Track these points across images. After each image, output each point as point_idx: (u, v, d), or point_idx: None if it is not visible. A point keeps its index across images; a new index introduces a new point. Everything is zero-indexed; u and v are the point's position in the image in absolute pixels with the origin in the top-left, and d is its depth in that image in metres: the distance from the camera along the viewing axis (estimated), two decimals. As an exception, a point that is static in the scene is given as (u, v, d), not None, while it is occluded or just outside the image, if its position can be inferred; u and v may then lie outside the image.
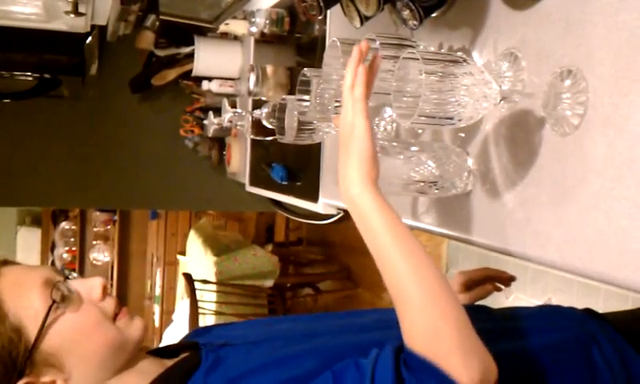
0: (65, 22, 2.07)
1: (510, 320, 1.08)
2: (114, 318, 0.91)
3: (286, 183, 2.05)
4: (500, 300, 1.26)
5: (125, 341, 0.90)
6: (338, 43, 1.10)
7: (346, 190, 0.83)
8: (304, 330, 0.99)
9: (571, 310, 1.14)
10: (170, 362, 0.92)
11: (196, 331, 1.04)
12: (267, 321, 1.20)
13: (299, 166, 1.97)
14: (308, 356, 0.85)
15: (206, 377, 0.84)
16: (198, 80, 2.60)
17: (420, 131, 1.25)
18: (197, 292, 3.82)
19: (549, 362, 0.96)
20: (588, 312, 1.13)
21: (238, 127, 1.83)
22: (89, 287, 0.91)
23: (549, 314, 1.14)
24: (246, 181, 2.46)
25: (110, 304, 0.92)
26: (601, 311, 1.12)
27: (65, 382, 0.86)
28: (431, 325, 0.74)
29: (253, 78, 1.99)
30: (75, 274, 0.94)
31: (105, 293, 0.92)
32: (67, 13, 1.84)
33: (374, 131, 1.34)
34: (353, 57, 0.87)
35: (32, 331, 0.84)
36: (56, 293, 0.86)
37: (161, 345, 1.12)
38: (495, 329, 1.00)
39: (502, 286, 1.27)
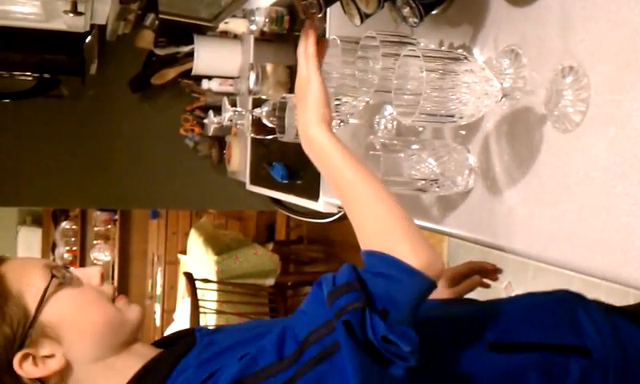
0: (64, 22, 2.06)
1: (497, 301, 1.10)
2: (113, 301, 0.94)
3: (286, 182, 2.05)
4: (499, 296, 1.25)
5: (122, 320, 0.92)
6: (339, 41, 1.10)
7: (303, 131, 0.95)
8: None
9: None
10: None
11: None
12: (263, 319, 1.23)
13: (300, 164, 1.97)
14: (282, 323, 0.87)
15: (198, 355, 0.87)
16: (198, 79, 2.59)
17: (421, 129, 1.25)
18: (198, 291, 3.81)
19: (531, 316, 0.99)
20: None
21: (238, 126, 1.82)
22: (88, 274, 0.94)
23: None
24: (247, 180, 2.45)
25: (108, 289, 0.95)
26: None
27: (63, 356, 0.87)
28: (380, 220, 0.84)
29: (253, 76, 1.98)
30: (73, 269, 0.96)
31: (103, 280, 0.95)
32: (66, 12, 1.84)
33: (375, 129, 1.34)
34: (305, 29, 1.01)
35: (32, 305, 0.87)
36: (56, 272, 0.90)
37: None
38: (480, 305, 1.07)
39: (490, 281, 1.28)
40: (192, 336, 0.93)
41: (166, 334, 5.02)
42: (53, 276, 0.89)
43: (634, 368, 0.95)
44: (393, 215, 0.84)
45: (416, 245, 0.81)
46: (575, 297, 1.06)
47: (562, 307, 1.02)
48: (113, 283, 5.79)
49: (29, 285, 0.88)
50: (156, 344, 0.97)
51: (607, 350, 0.95)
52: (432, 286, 0.80)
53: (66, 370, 0.88)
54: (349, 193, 0.89)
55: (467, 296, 1.30)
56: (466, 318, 1.00)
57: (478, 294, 1.26)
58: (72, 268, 0.95)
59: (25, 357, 0.86)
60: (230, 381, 0.77)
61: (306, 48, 1.00)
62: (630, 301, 1.28)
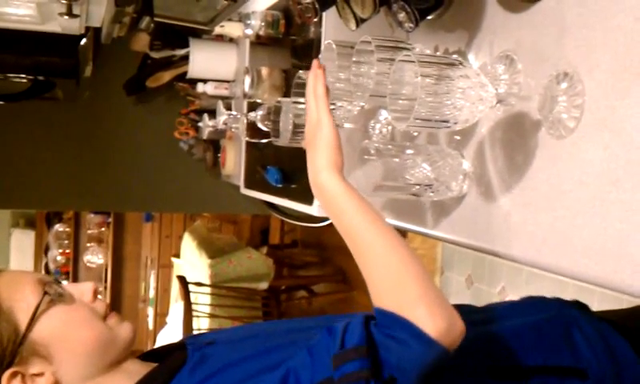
0: (59, 24, 2.05)
1: (492, 310, 1.10)
2: (104, 318, 0.93)
3: (280, 186, 2.05)
4: (493, 301, 1.25)
5: (113, 338, 0.91)
6: (334, 45, 1.10)
7: (314, 177, 0.91)
8: (286, 327, 1.01)
9: (556, 298, 1.15)
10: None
11: (187, 337, 1.05)
12: (254, 323, 1.23)
13: (294, 168, 1.97)
14: (285, 348, 0.86)
15: (191, 373, 0.85)
16: (193, 82, 2.59)
17: (415, 134, 1.25)
18: (191, 294, 3.80)
19: (528, 339, 0.98)
20: (574, 302, 1.14)
21: (233, 130, 1.82)
22: (80, 290, 0.93)
23: (532, 301, 1.15)
24: (241, 183, 2.45)
25: (100, 305, 0.93)
26: (595, 314, 1.12)
27: (53, 374, 0.86)
28: (395, 278, 0.79)
29: (248, 80, 1.99)
30: (66, 282, 0.94)
31: (95, 296, 0.94)
32: (61, 14, 1.83)
33: (370, 134, 1.34)
34: (312, 66, 0.97)
35: (23, 322, 0.85)
36: (49, 288, 0.89)
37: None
38: (477, 316, 1.03)
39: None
40: (183, 349, 0.92)
41: (158, 336, 5.00)
42: (45, 293, 0.88)
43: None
44: (408, 272, 0.79)
45: (433, 307, 0.76)
46: (566, 313, 1.06)
47: (556, 328, 1.01)
48: (104, 287, 5.77)
49: (20, 301, 0.86)
50: (146, 356, 0.96)
51: (602, 368, 0.95)
52: (446, 355, 0.75)
53: None
54: (362, 244, 0.83)
55: (463, 301, 1.29)
56: (466, 342, 0.99)
57: (473, 300, 1.26)
58: (65, 282, 0.94)
59: (14, 375, 0.85)
60: None
61: (315, 88, 0.95)
62: (623, 306, 1.28)
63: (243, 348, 0.91)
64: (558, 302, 1.14)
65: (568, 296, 1.12)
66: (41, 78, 2.59)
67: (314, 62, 0.97)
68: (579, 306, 1.12)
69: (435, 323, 0.74)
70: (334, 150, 0.90)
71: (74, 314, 0.89)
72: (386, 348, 0.74)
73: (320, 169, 0.90)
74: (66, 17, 1.83)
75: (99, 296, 0.95)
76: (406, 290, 0.77)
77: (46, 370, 0.86)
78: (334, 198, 0.88)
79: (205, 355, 0.89)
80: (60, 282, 0.93)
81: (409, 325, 0.74)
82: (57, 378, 0.86)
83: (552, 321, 1.03)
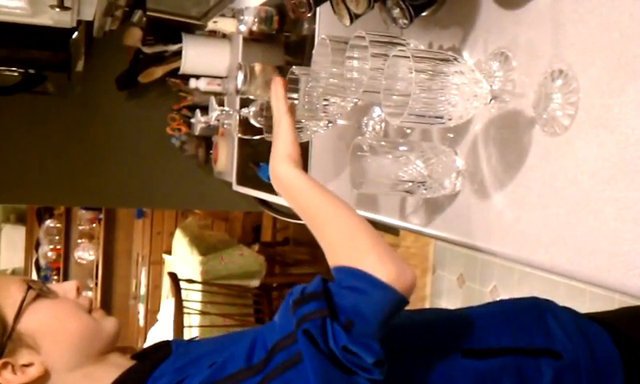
0: (50, 17, 2.03)
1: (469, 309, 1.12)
2: (89, 312, 0.97)
3: (273, 183, 2.04)
4: (485, 300, 1.25)
5: (99, 330, 0.95)
6: (328, 41, 1.09)
7: (271, 167, 0.99)
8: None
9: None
10: None
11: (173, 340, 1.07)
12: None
13: (287, 165, 1.96)
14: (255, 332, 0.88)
15: (174, 362, 0.89)
16: (186, 78, 2.58)
17: (409, 131, 1.24)
18: (182, 291, 3.79)
19: (501, 322, 1.01)
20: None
21: (225, 126, 1.81)
22: (64, 288, 0.97)
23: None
24: (233, 180, 2.44)
25: (84, 301, 0.97)
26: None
27: (42, 364, 0.89)
28: (347, 236, 0.85)
29: (241, 76, 1.97)
30: (55, 281, 0.98)
31: (79, 293, 0.98)
32: (52, 7, 1.81)
33: (363, 131, 1.34)
34: (274, 77, 1.07)
35: (10, 316, 0.89)
36: (32, 284, 0.93)
37: (145, 345, 1.13)
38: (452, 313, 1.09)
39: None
40: (168, 347, 0.95)
41: (149, 334, 4.99)
42: (29, 287, 0.92)
43: (605, 370, 0.97)
44: (358, 230, 0.85)
45: (383, 257, 0.81)
46: (543, 303, 1.08)
47: (531, 313, 1.03)
48: (95, 283, 5.74)
49: (6, 298, 0.91)
50: (133, 357, 0.98)
51: (576, 350, 0.97)
52: (401, 300, 0.80)
53: (44, 378, 0.90)
54: (316, 216, 0.91)
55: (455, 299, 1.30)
56: (441, 325, 1.01)
57: (465, 299, 1.25)
58: (54, 279, 0.97)
59: (4, 365, 0.88)
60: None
61: (276, 92, 1.05)
62: (615, 306, 1.28)
63: (224, 338, 0.95)
64: (532, 297, 1.15)
65: (560, 295, 1.12)
66: (32, 71, 2.57)
67: (275, 77, 1.08)
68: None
69: (386, 269, 0.79)
70: (289, 143, 0.99)
71: (59, 307, 0.94)
72: (340, 296, 0.79)
73: (276, 160, 0.98)
74: (58, 9, 1.82)
75: (82, 293, 0.99)
76: (357, 245, 0.83)
77: (35, 360, 0.89)
78: (290, 183, 0.96)
79: (188, 349, 0.93)
80: (45, 283, 0.97)
81: (361, 273, 0.80)
82: (46, 367, 0.89)
83: (526, 307, 1.06)
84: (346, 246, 0.84)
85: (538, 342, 0.97)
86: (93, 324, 0.94)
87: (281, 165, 0.97)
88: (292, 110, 1.05)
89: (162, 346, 0.96)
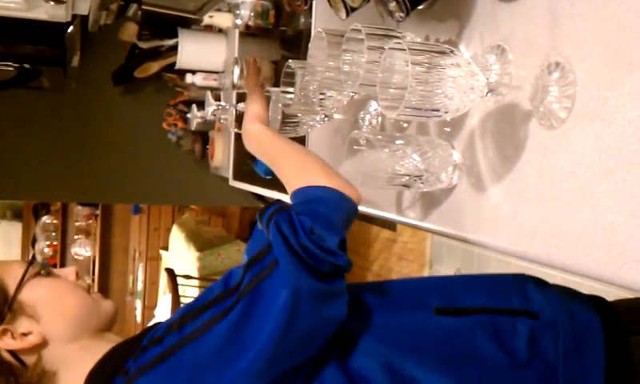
0: (45, 11, 2.02)
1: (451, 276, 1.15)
2: (87, 292, 1.02)
3: (269, 177, 2.04)
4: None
5: (97, 308, 1.00)
6: (324, 34, 1.09)
7: (243, 129, 1.15)
8: None
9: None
10: None
11: None
12: None
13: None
14: None
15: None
16: (182, 73, 2.57)
17: (405, 125, 1.24)
18: (179, 287, 3.79)
19: (478, 286, 1.03)
20: None
21: (222, 121, 1.80)
22: (64, 273, 1.03)
23: None
24: (230, 175, 2.44)
25: (83, 284, 1.03)
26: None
27: (40, 333, 0.93)
28: (300, 164, 0.99)
29: (237, 71, 1.97)
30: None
31: (78, 277, 1.03)
32: (47, 1, 1.81)
33: (359, 125, 1.33)
34: (246, 60, 1.31)
35: (12, 287, 0.95)
36: (34, 264, 0.99)
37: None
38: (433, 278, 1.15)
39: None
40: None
41: (146, 330, 4.99)
42: (30, 261, 0.98)
43: (584, 333, 0.95)
44: (309, 161, 0.99)
45: (332, 177, 0.93)
46: (528, 277, 1.07)
47: (513, 282, 1.04)
48: (92, 279, 5.73)
49: (9, 273, 0.96)
50: None
51: (555, 312, 0.95)
52: (352, 203, 0.91)
53: (42, 346, 0.93)
54: (276, 157, 1.06)
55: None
56: (416, 285, 1.05)
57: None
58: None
59: (4, 332, 0.92)
60: (175, 317, 0.84)
61: (249, 74, 1.27)
62: (611, 299, 1.28)
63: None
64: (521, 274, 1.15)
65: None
66: (27, 66, 2.56)
67: (247, 59, 1.32)
68: None
69: (334, 183, 0.91)
70: (257, 108, 1.17)
71: (59, 284, 0.99)
72: (299, 205, 0.88)
73: (246, 121, 1.15)
74: (52, 3, 1.81)
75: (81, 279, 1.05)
76: (309, 169, 0.96)
77: (34, 329, 0.93)
78: (257, 137, 1.12)
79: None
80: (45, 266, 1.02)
81: (312, 187, 0.92)
82: (44, 337, 0.93)
83: (509, 277, 1.06)
84: (299, 173, 0.97)
85: (515, 304, 0.97)
86: (91, 301, 0.99)
87: (250, 124, 1.14)
88: (262, 85, 1.24)
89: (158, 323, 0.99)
